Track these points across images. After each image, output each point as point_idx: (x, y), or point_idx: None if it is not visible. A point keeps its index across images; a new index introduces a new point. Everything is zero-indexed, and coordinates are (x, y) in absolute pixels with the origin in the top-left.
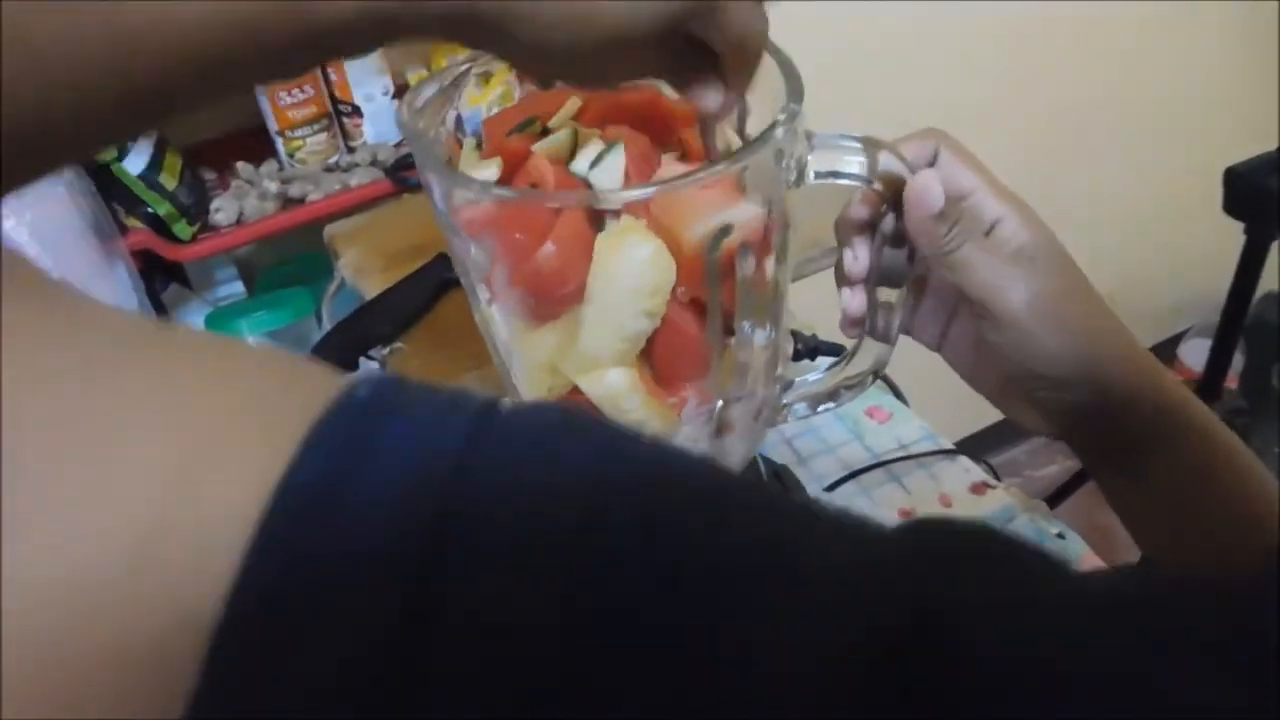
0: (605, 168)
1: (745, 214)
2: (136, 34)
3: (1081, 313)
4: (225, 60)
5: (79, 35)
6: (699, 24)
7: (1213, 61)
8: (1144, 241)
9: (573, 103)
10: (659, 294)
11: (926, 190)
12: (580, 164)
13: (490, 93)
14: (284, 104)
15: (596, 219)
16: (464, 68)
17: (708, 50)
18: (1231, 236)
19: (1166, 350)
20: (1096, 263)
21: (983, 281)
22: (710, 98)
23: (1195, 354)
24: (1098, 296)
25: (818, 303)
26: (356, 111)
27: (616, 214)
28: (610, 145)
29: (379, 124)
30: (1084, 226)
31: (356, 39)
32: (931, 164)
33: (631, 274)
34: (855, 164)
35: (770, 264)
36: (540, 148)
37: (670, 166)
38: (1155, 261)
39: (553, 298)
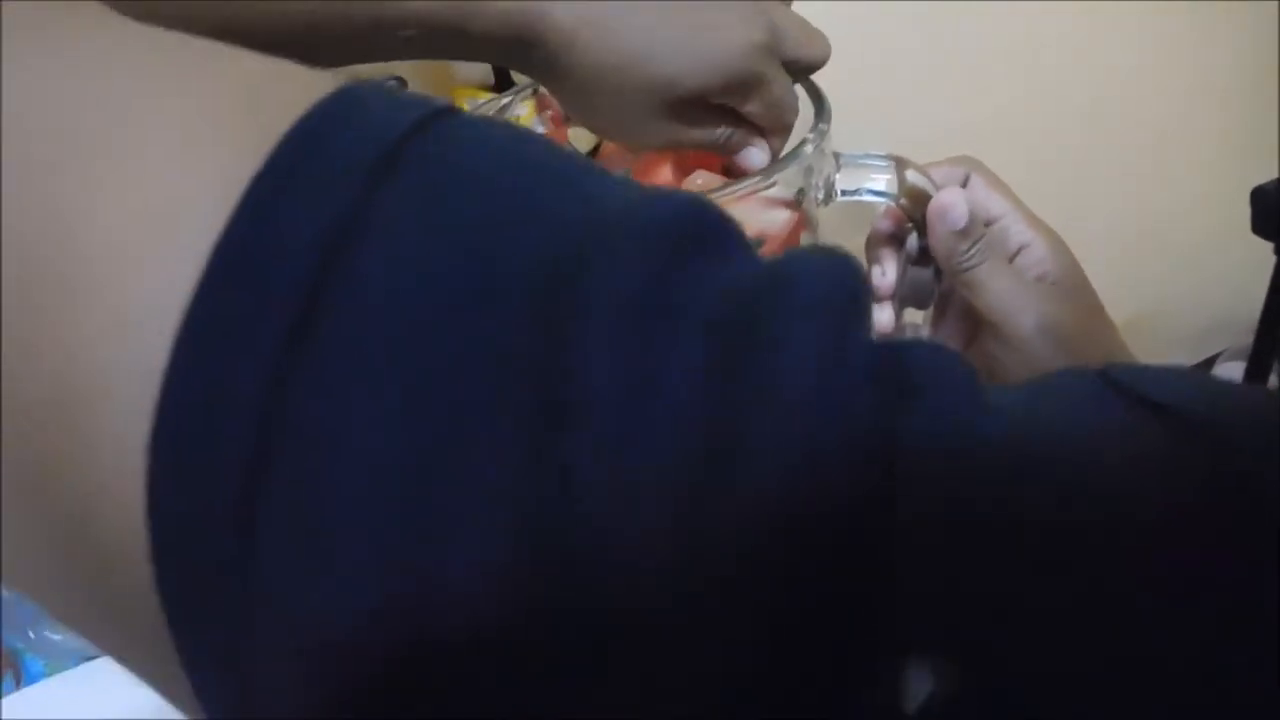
0: None
1: (775, 220)
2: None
3: (1093, 344)
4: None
5: None
6: (738, 97)
7: (1238, 79)
8: (1172, 264)
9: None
10: None
11: (951, 207)
12: None
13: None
14: None
15: None
16: (504, 102)
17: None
18: (1262, 257)
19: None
20: (1124, 286)
21: (998, 302)
22: (756, 158)
23: (1230, 377)
24: (1114, 332)
25: None
26: None
27: None
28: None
29: None
30: (1110, 248)
31: (421, 40)
32: (962, 187)
33: None
34: (882, 181)
35: None
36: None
37: (701, 177)
38: (1185, 284)
39: None
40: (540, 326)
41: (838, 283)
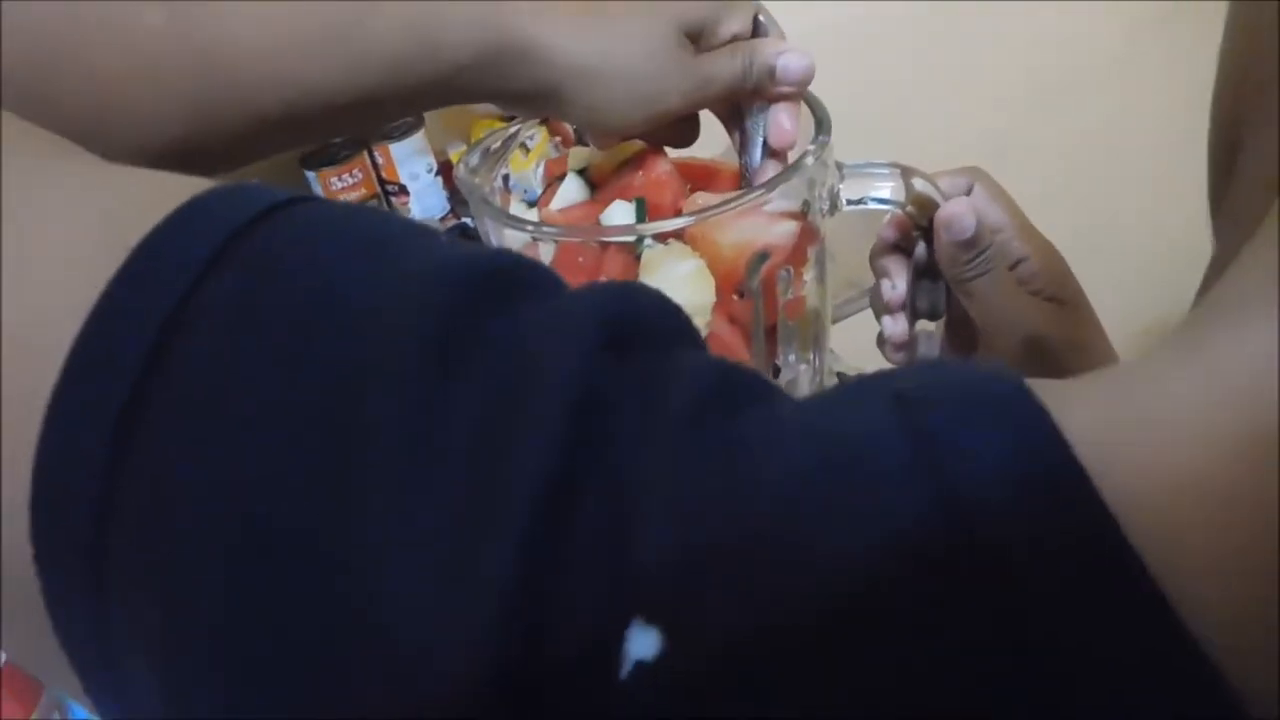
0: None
1: (781, 233)
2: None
3: (1084, 359)
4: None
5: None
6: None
7: None
8: (1189, 268)
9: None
10: (700, 313)
11: (959, 217)
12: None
13: (532, 160)
14: (335, 188)
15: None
16: (513, 130)
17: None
18: None
19: None
20: (1142, 292)
21: (994, 314)
22: (797, 61)
23: None
24: (1107, 345)
25: (864, 344)
26: (403, 190)
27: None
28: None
29: (425, 200)
30: (1126, 256)
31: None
32: (967, 195)
33: (674, 291)
34: (887, 189)
35: (809, 279)
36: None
37: (704, 196)
38: None
39: None
40: (341, 395)
41: (600, 309)
